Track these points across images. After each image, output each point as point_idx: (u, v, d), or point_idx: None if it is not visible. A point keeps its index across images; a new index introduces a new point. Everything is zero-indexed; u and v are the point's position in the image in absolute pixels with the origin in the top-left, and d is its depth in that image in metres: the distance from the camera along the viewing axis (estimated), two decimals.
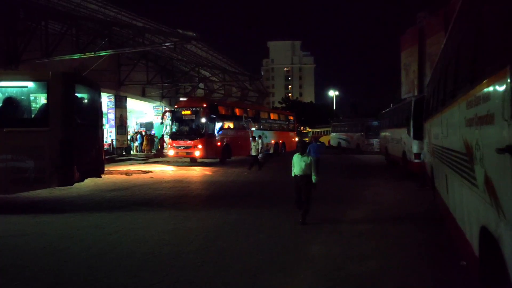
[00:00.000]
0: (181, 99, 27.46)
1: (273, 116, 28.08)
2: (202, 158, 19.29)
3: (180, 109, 20.49)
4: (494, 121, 2.33)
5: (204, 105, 19.74)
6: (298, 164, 6.94)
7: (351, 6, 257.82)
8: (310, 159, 6.90)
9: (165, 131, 23.99)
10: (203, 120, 19.08)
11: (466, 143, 3.28)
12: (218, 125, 19.61)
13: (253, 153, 16.98)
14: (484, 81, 2.57)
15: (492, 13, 2.58)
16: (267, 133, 25.30)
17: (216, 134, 19.36)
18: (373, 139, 29.18)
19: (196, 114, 19.65)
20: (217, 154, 19.55)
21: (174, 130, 20.26)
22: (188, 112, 19.98)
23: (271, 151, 25.21)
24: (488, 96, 2.48)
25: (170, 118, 20.92)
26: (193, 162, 20.25)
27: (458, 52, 4.07)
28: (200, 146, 18.79)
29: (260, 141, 18.28)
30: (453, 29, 4.82)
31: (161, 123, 22.26)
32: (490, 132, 2.44)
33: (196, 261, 4.91)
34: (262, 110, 27.54)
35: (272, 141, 25.81)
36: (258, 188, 11.52)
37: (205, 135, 18.86)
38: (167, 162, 21.10)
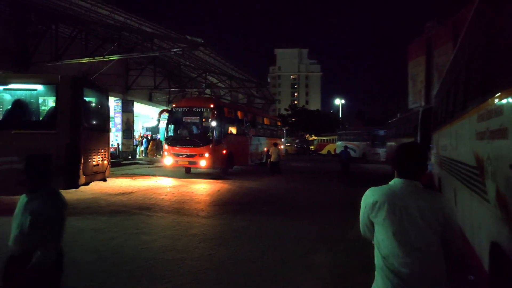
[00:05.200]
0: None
1: (266, 121, 25.27)
2: (208, 168, 16.51)
3: (180, 109, 17.13)
4: (507, 136, 2.28)
5: (211, 106, 16.57)
6: (17, 225, 2.73)
7: (359, 15, 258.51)
8: (55, 208, 2.82)
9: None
10: (211, 123, 16.18)
11: (477, 156, 3.23)
12: (223, 129, 17.02)
13: (273, 159, 18.29)
14: (496, 95, 2.53)
15: (506, 24, 2.54)
16: (261, 139, 22.74)
17: (222, 141, 16.71)
18: (380, 149, 29.06)
19: (201, 116, 16.74)
20: (222, 164, 16.85)
21: (171, 134, 17.04)
22: (191, 114, 16.88)
23: (264, 160, 22.38)
24: (500, 110, 2.43)
25: (167, 119, 17.58)
26: (188, 172, 17.50)
27: (468, 64, 4.03)
28: (206, 155, 15.75)
29: (275, 148, 19.05)
30: (464, 40, 4.78)
31: (157, 124, 19.22)
32: (503, 147, 2.39)
33: (199, 268, 4.86)
34: (258, 114, 24.39)
35: (265, 149, 22.87)
36: (263, 196, 11.47)
37: (212, 142, 15.89)
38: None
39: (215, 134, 16.11)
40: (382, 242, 2.04)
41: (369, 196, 2.12)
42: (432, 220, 1.98)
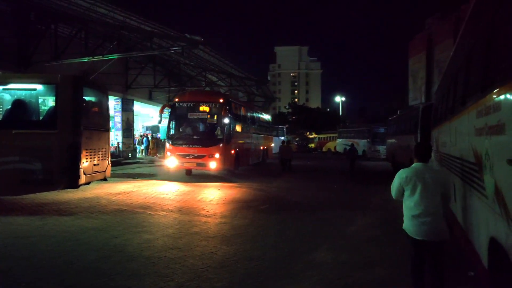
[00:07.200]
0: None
1: (262, 118, 23.61)
2: (218, 170, 15.16)
3: (185, 104, 15.27)
4: (505, 131, 2.30)
5: (221, 101, 15.03)
6: None
7: (359, 12, 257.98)
8: None
9: None
10: (221, 120, 14.70)
11: (475, 152, 3.25)
12: (232, 127, 15.56)
13: (286, 156, 19.42)
14: (495, 90, 2.55)
15: (505, 20, 2.56)
16: (260, 137, 21.46)
17: (231, 139, 15.32)
18: (380, 146, 29.05)
19: (209, 112, 15.08)
20: (231, 165, 15.51)
21: (174, 132, 15.13)
22: (198, 109, 15.16)
23: (261, 159, 21.51)
24: (499, 105, 2.45)
25: (169, 115, 15.61)
26: (188, 174, 15.95)
27: (468, 60, 4.04)
28: (217, 156, 14.25)
29: (288, 146, 20.03)
30: (463, 36, 4.79)
31: (159, 121, 17.02)
32: (501, 142, 2.41)
33: (201, 266, 4.89)
34: (256, 111, 22.60)
35: (261, 148, 21.50)
36: (265, 195, 11.49)
37: (223, 141, 14.48)
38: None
39: (225, 132, 14.63)
40: (410, 197, 3.66)
41: (403, 173, 3.77)
42: (438, 184, 3.64)
